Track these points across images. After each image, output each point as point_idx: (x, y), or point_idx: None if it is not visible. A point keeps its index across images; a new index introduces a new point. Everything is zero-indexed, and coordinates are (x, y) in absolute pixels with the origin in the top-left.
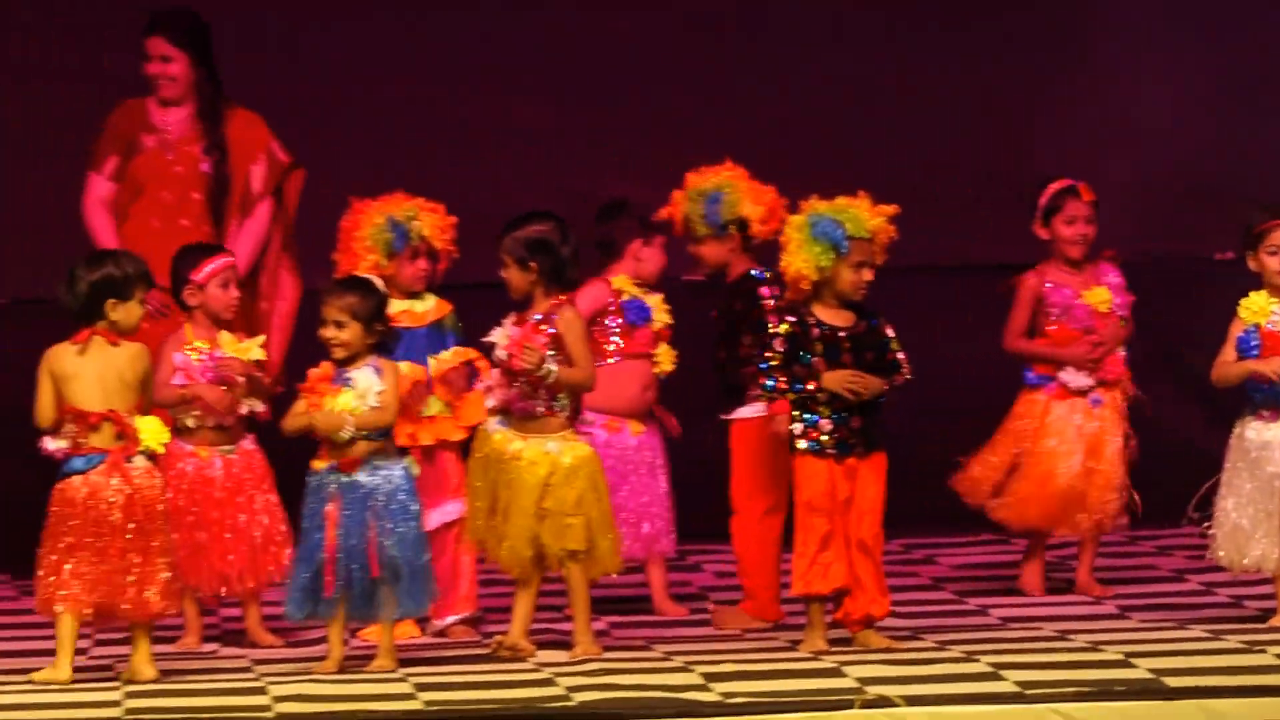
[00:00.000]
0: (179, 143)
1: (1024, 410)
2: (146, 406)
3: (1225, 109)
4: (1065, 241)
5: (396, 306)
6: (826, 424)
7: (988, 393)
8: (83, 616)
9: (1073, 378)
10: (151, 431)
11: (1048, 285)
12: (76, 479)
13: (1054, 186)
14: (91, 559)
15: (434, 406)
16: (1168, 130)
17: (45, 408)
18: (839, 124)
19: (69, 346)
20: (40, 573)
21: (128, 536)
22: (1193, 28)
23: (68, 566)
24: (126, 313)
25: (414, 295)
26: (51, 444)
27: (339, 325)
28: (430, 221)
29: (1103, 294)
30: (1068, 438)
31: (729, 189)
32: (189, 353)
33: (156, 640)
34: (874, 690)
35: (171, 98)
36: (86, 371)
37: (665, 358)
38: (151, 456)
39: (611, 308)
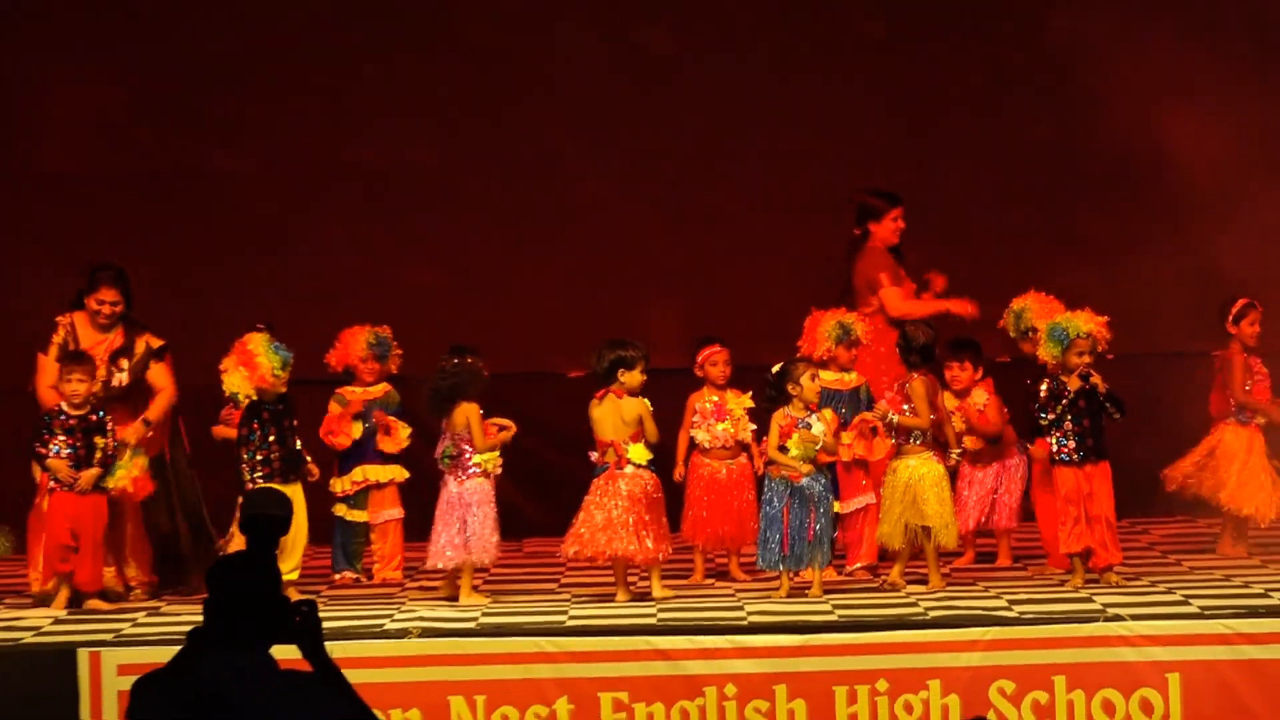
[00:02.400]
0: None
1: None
2: (640, 437)
3: None
4: (1248, 336)
5: (830, 376)
6: (1071, 443)
7: (1166, 430)
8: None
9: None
10: (636, 453)
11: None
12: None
13: (1241, 301)
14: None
15: (846, 439)
16: None
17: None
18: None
19: (597, 400)
20: None
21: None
22: None
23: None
24: (630, 378)
25: (843, 370)
26: (593, 456)
27: None
28: (861, 328)
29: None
30: None
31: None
32: (705, 403)
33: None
34: (1112, 610)
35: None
36: (604, 416)
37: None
38: (638, 466)
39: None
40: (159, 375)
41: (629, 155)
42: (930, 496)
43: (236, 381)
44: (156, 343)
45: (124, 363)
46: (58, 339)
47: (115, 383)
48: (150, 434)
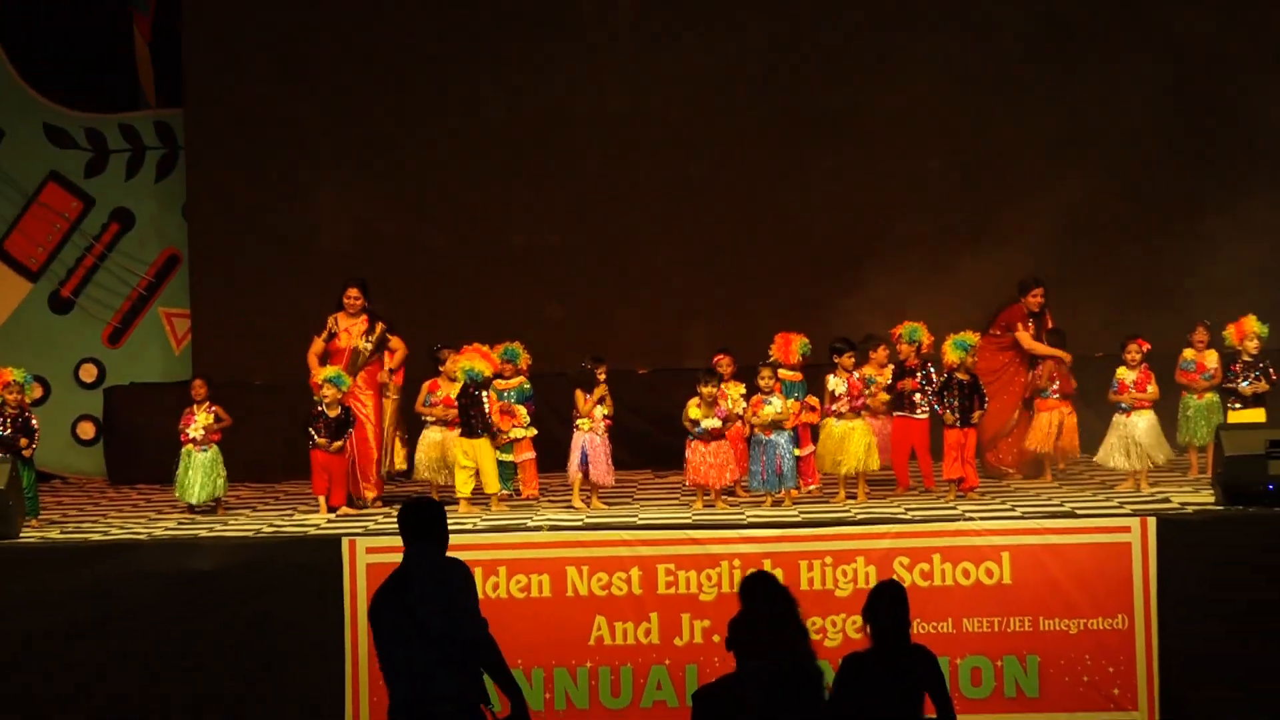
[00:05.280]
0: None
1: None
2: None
3: None
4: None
5: (791, 374)
6: (957, 415)
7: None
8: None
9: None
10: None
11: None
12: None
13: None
14: None
15: (795, 408)
16: None
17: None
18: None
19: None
20: None
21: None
22: None
23: None
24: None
25: (793, 370)
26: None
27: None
28: (807, 348)
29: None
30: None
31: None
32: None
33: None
34: (968, 514)
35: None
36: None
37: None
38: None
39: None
40: (396, 342)
41: (680, 232)
42: (869, 443)
43: (479, 364)
44: (384, 325)
45: (370, 339)
46: (329, 327)
47: (362, 352)
48: (397, 381)
